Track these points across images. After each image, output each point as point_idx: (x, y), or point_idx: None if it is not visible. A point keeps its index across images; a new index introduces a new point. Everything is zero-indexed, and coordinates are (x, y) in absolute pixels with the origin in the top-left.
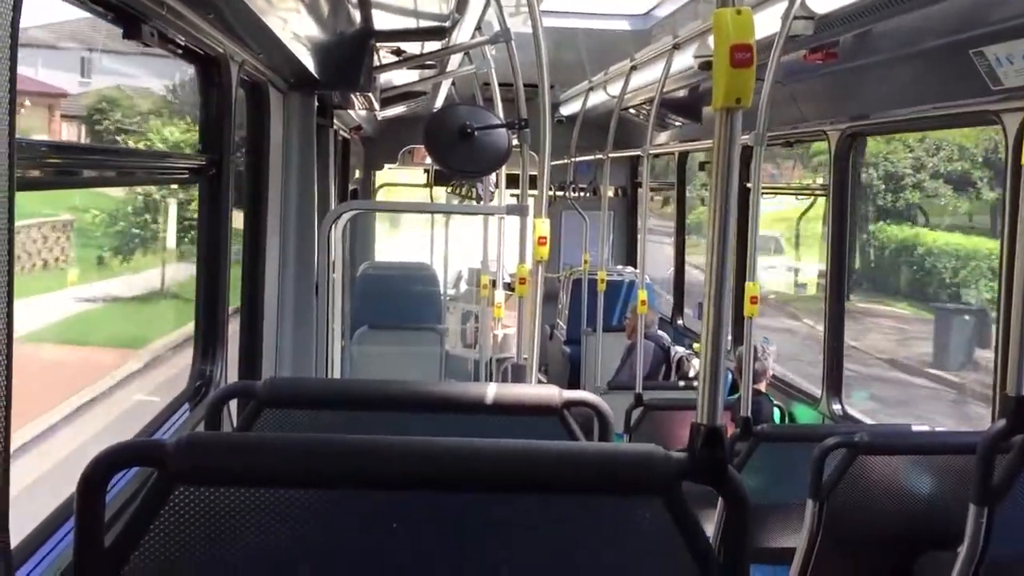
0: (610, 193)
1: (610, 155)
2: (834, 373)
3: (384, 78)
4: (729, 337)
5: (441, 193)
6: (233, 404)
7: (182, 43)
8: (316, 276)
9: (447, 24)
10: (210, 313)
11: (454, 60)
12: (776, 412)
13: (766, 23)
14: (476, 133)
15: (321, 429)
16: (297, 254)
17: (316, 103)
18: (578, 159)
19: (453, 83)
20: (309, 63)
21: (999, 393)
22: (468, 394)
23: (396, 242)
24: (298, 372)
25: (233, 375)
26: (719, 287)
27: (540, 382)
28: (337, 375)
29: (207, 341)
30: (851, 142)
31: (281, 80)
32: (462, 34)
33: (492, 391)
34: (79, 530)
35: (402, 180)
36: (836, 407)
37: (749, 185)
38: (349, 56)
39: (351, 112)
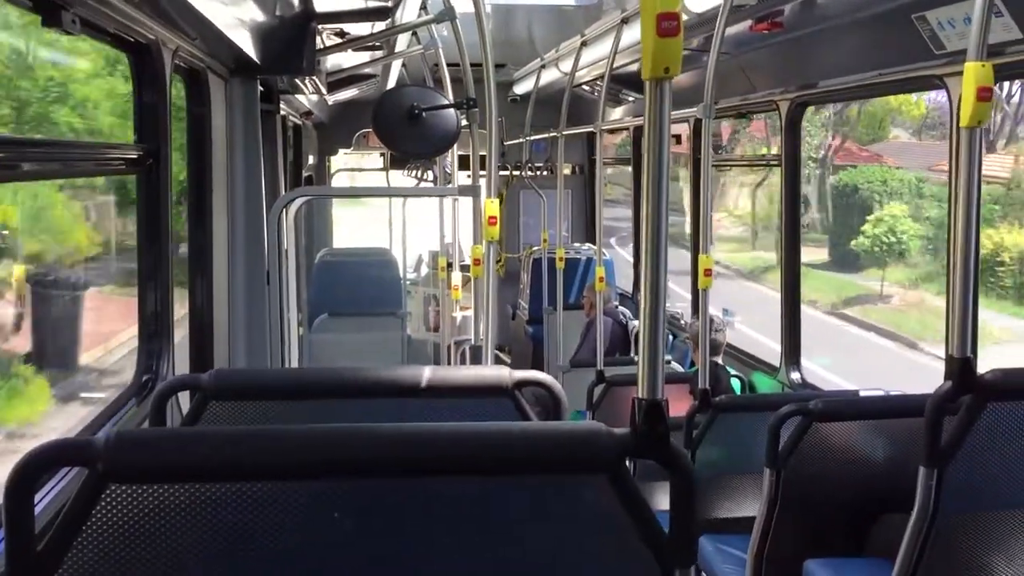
0: (568, 171)
1: (564, 132)
2: (792, 342)
3: (332, 61)
4: (688, 309)
5: (398, 177)
6: (186, 399)
7: (110, 30)
8: (267, 264)
9: (390, 4)
10: (153, 306)
11: (402, 41)
12: (736, 383)
13: None
14: (424, 114)
15: (270, 420)
16: (246, 243)
17: (260, 89)
18: (533, 138)
19: (404, 65)
20: (249, 48)
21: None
22: (419, 378)
23: (368, 227)
24: (253, 364)
25: (185, 369)
26: (655, 260)
27: (503, 363)
28: (295, 365)
29: (152, 334)
30: (801, 111)
31: (221, 66)
32: (407, 14)
33: (443, 374)
34: (8, 535)
35: (358, 165)
36: (795, 376)
37: (700, 157)
38: (290, 40)
39: (300, 97)
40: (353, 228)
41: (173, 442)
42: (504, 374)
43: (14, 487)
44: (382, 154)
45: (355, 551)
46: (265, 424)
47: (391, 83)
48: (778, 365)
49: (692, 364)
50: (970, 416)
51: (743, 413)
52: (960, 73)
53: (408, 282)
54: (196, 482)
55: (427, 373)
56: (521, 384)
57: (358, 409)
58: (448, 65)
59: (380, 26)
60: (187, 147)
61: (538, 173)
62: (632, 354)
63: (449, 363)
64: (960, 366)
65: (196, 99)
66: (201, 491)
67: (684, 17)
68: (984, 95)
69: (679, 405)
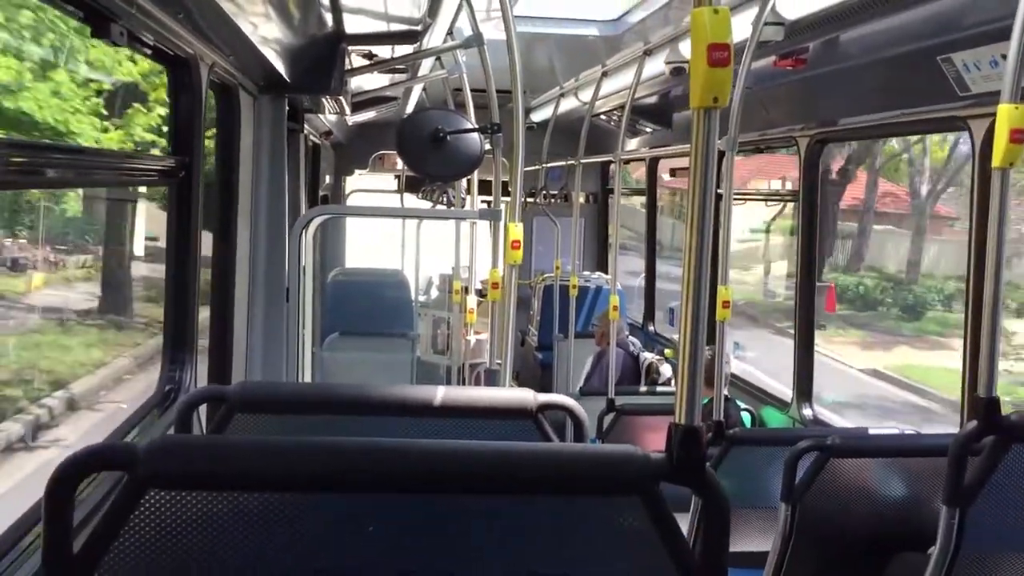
0: (582, 199)
1: (581, 161)
2: (804, 378)
3: (355, 83)
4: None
5: (412, 199)
6: (203, 411)
7: (151, 43)
8: (287, 282)
9: (419, 28)
10: (180, 318)
11: (425, 65)
12: (747, 417)
13: (737, 29)
14: (448, 137)
15: (294, 434)
16: (268, 259)
17: (287, 107)
18: (549, 165)
19: (424, 89)
20: (279, 66)
21: (968, 395)
22: (442, 397)
23: (376, 249)
24: (268, 378)
25: (203, 382)
26: (696, 290)
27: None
28: (308, 382)
29: (176, 346)
30: (820, 148)
31: (251, 83)
32: (434, 38)
33: (467, 394)
34: (47, 536)
35: (373, 186)
36: (807, 412)
37: (721, 191)
38: (320, 59)
39: (321, 117)
40: (361, 250)
41: (213, 450)
42: (528, 397)
43: (56, 489)
44: (397, 176)
45: (386, 566)
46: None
47: (411, 106)
48: (788, 400)
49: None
50: (994, 457)
51: (757, 447)
52: (984, 116)
53: (418, 304)
54: (233, 490)
55: (450, 393)
56: (544, 407)
57: (380, 426)
58: (471, 90)
59: (407, 49)
60: (216, 161)
61: (552, 201)
62: (642, 384)
63: (464, 385)
64: (985, 406)
65: (227, 114)
66: (238, 500)
67: None
68: (1017, 137)
69: None
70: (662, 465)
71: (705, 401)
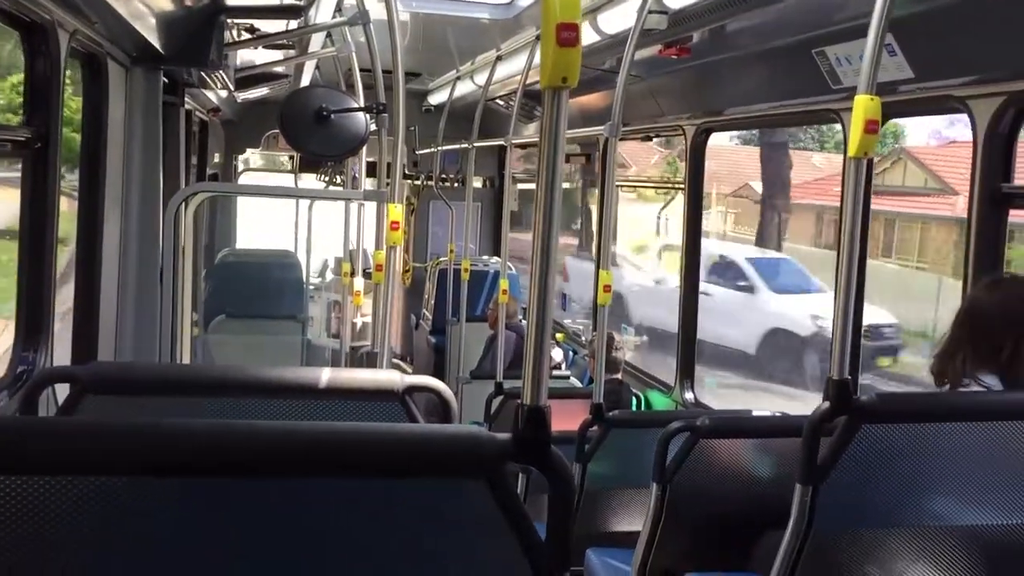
0: (479, 184)
1: (475, 145)
2: (687, 362)
3: (244, 58)
4: (589, 325)
5: (310, 181)
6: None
7: (5, 7)
8: (162, 260)
9: (302, 3)
10: (34, 295)
11: (316, 42)
12: (635, 401)
13: (622, 17)
14: (332, 116)
15: (149, 416)
16: (141, 237)
17: (163, 80)
18: (445, 148)
19: (317, 67)
20: (152, 36)
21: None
22: (307, 379)
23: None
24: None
25: (67, 363)
26: (544, 273)
27: (403, 371)
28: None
29: (30, 325)
30: (706, 137)
31: (122, 53)
32: (321, 14)
33: (333, 376)
34: None
35: (267, 166)
36: (688, 395)
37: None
38: (197, 31)
39: (207, 92)
40: (261, 232)
41: (39, 431)
42: (395, 378)
43: None
44: (291, 156)
45: (228, 551)
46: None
47: (304, 84)
48: (672, 384)
49: (591, 380)
50: (845, 436)
51: (635, 429)
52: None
53: (312, 287)
54: (62, 474)
55: (316, 374)
56: (412, 389)
57: (242, 408)
58: (361, 70)
59: (293, 25)
60: (81, 134)
61: (450, 185)
62: None
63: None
64: (838, 388)
65: (93, 86)
66: (68, 484)
67: (597, 38)
68: (872, 128)
69: (578, 420)
70: (507, 446)
71: (591, 386)
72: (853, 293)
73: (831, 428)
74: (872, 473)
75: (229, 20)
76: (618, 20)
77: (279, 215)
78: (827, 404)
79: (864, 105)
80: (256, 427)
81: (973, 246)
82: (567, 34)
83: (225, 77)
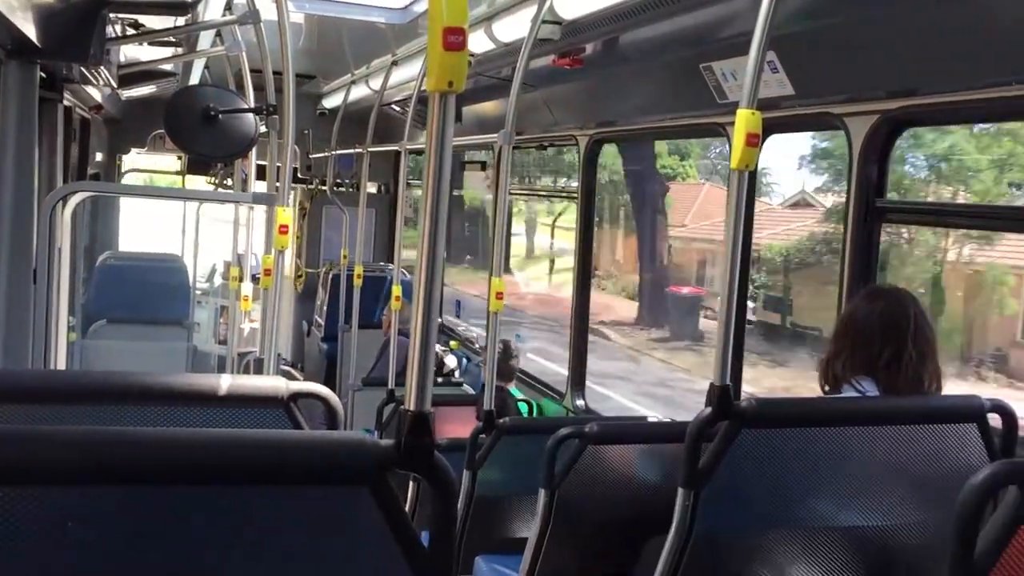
0: (373, 189)
1: (369, 149)
2: (578, 369)
3: (129, 54)
4: (483, 333)
5: (201, 184)
6: None
7: None
8: (35, 262)
9: None
10: None
11: (205, 40)
12: (523, 407)
13: (515, 26)
14: (221, 116)
15: (13, 424)
16: (12, 236)
17: (40, 75)
18: (338, 152)
19: (207, 67)
20: (29, 29)
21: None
22: (189, 385)
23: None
24: (11, 367)
25: None
26: (430, 278)
27: (294, 377)
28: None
29: None
30: (599, 148)
31: None
32: (210, 11)
33: (215, 382)
34: None
35: (155, 166)
36: (579, 402)
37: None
38: (77, 24)
39: (89, 89)
40: (144, 234)
41: None
42: (280, 385)
43: None
44: (179, 157)
45: (102, 561)
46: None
47: (193, 83)
48: (564, 392)
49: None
50: (726, 441)
51: (525, 435)
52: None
53: (200, 291)
54: None
55: (199, 380)
56: (297, 396)
57: (115, 416)
58: (252, 71)
59: (180, 22)
60: None
61: (345, 190)
62: None
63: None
64: (719, 393)
65: None
66: None
67: (492, 45)
68: (752, 141)
69: (468, 427)
70: (390, 453)
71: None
72: (735, 302)
73: (713, 433)
74: (752, 476)
75: (112, 14)
76: (513, 29)
77: (168, 218)
78: (709, 410)
79: (746, 119)
80: (127, 433)
81: (849, 258)
82: (454, 38)
83: (107, 73)
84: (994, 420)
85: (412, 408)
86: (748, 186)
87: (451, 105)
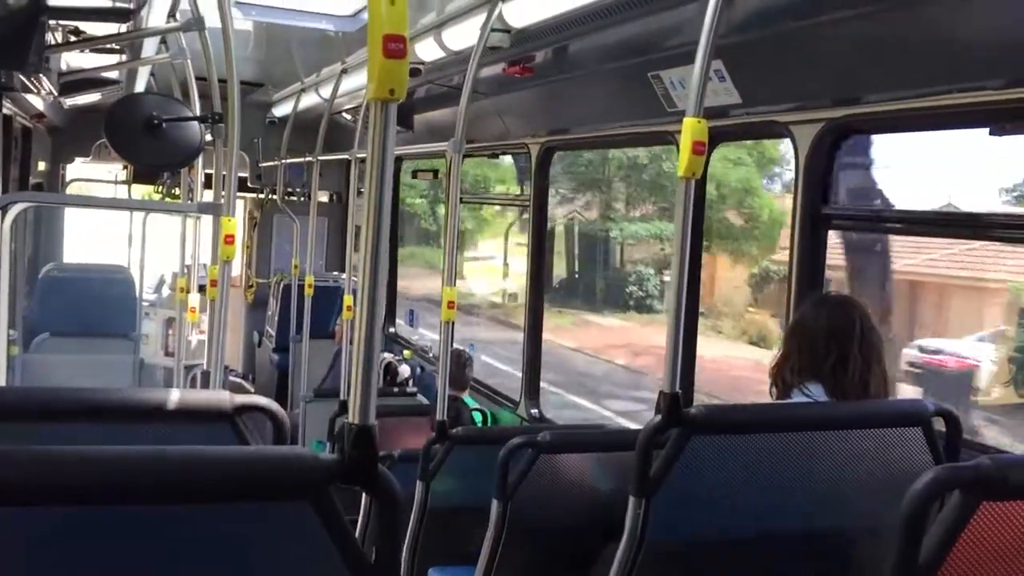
0: (324, 198)
1: (320, 158)
2: (531, 378)
3: (72, 62)
4: (438, 341)
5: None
6: None
7: None
8: None
9: (131, 6)
10: None
11: (149, 47)
12: (478, 416)
13: (465, 34)
14: (165, 125)
15: None
16: None
17: None
18: (289, 161)
19: (153, 74)
20: None
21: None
22: (133, 400)
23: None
24: None
25: None
26: (373, 287)
27: (246, 390)
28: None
29: None
30: (550, 155)
31: None
32: (154, 18)
33: (157, 397)
34: None
35: (100, 176)
36: (534, 411)
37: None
38: (15, 32)
39: (29, 97)
40: (89, 245)
41: None
42: (224, 398)
43: None
44: (125, 166)
45: None
46: None
47: (138, 91)
48: (518, 401)
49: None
50: (676, 448)
51: (479, 446)
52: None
53: (147, 303)
54: None
55: (142, 395)
56: (243, 409)
57: (55, 434)
58: (197, 79)
59: (123, 29)
60: None
61: (296, 199)
62: (380, 385)
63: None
64: (669, 401)
65: None
66: None
67: (442, 54)
68: (699, 149)
69: (422, 437)
70: (333, 466)
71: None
72: (684, 310)
73: (664, 441)
74: (704, 483)
75: (52, 21)
76: (462, 37)
77: (114, 228)
78: (659, 417)
79: (692, 127)
80: (62, 453)
81: (796, 266)
82: (394, 45)
83: (48, 81)
84: (939, 424)
85: (356, 421)
86: (695, 194)
87: (392, 113)
